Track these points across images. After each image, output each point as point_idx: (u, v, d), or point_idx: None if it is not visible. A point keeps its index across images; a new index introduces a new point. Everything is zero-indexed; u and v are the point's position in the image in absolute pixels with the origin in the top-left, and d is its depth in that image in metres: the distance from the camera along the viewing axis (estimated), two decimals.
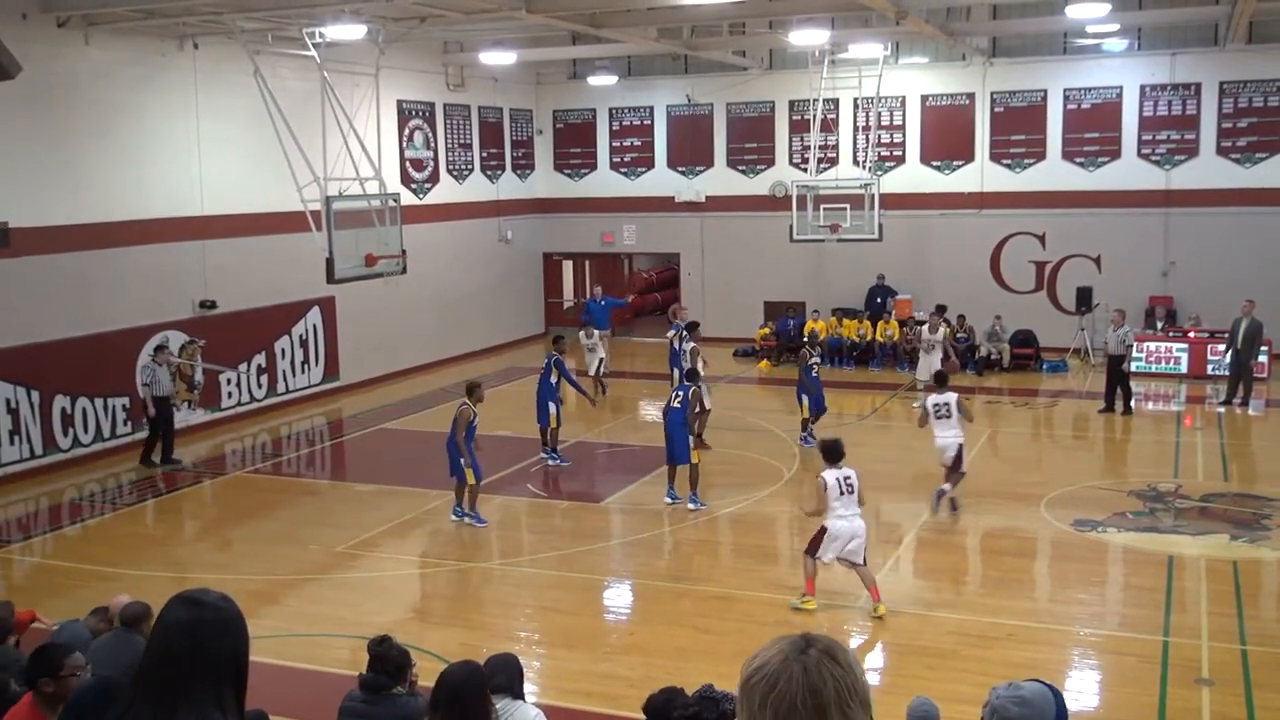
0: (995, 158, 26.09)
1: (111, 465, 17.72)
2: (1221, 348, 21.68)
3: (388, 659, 6.70)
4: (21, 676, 6.54)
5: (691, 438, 15.19)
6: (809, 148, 25.30)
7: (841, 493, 11.38)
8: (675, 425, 15.04)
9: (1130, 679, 10.07)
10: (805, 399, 18.23)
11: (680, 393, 15.30)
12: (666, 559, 13.78)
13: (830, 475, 11.43)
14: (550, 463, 17.44)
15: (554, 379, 17.42)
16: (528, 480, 16.79)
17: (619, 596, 12.76)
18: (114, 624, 8.30)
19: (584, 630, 11.48)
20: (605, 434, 19.86)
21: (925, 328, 21.20)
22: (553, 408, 17.32)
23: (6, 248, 16.44)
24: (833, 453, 11.64)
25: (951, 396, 14.77)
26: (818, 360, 18.70)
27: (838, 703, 2.22)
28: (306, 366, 22.33)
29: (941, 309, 25.21)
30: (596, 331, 24.32)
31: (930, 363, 20.78)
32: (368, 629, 10.75)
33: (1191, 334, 23.38)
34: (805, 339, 20.03)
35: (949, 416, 14.64)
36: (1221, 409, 20.71)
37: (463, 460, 14.36)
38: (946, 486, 14.65)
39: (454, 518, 14.69)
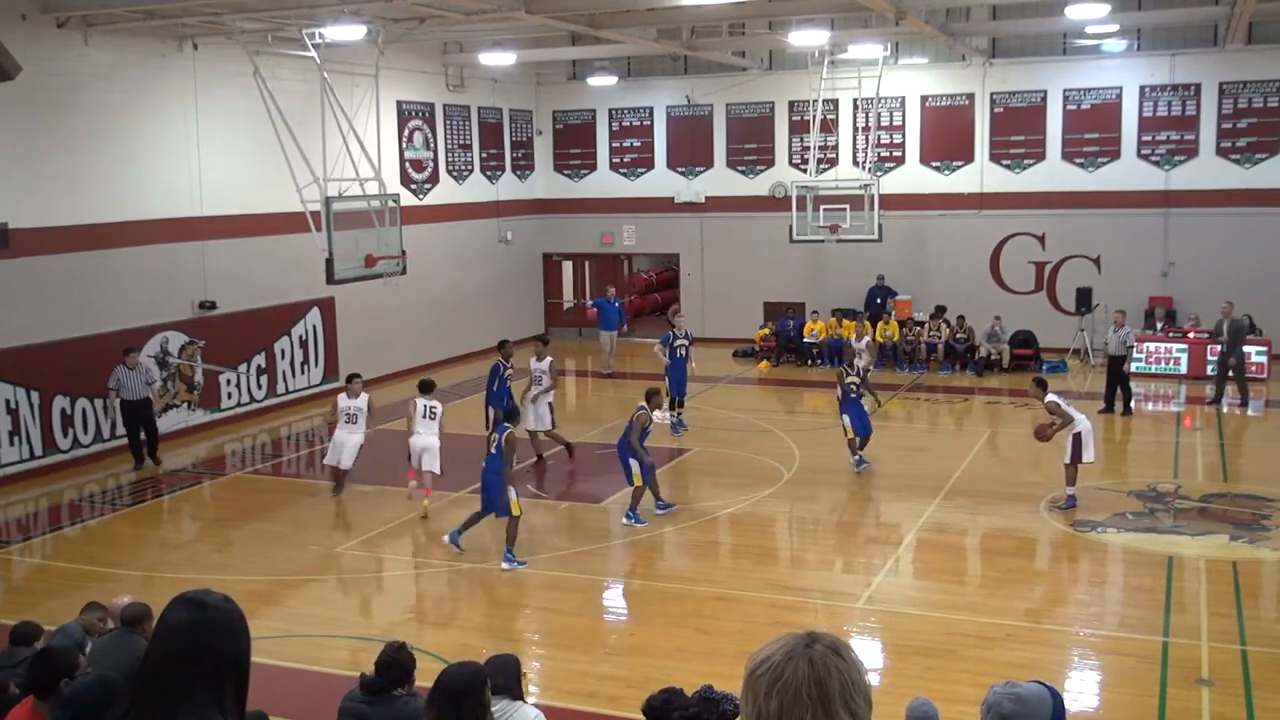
0: (995, 158, 26.10)
1: (111, 466, 17.72)
2: (1219, 348, 21.66)
3: (399, 666, 6.67)
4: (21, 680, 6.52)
5: (512, 489, 13.30)
6: (809, 148, 25.30)
7: (424, 416, 15.25)
8: (490, 474, 13.37)
9: (1130, 679, 10.08)
10: (847, 419, 16.83)
11: (496, 434, 13.50)
12: (666, 560, 13.78)
13: (420, 401, 15.34)
14: None
15: (495, 385, 17.58)
16: (526, 481, 16.79)
17: (619, 597, 12.76)
18: (109, 622, 8.30)
19: (584, 631, 11.49)
20: (605, 434, 19.85)
21: (853, 337, 19.93)
22: (492, 413, 17.24)
23: (6, 248, 16.45)
24: (425, 386, 15.75)
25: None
26: (856, 380, 17.16)
27: (842, 695, 2.25)
28: (306, 367, 22.34)
29: (941, 309, 25.29)
30: (605, 332, 24.38)
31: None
32: (367, 630, 10.78)
33: (1191, 334, 23.37)
34: (841, 359, 18.68)
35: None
36: (1209, 408, 20.73)
37: (632, 461, 14.36)
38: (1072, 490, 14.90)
39: (624, 521, 14.53)
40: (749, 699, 2.30)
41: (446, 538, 13.65)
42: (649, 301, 31.48)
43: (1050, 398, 15.04)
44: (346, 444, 15.95)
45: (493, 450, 13.35)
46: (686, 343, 19.84)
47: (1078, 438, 14.72)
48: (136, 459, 17.72)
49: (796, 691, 2.24)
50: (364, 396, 16.11)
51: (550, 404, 17.77)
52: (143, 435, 17.80)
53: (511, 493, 13.18)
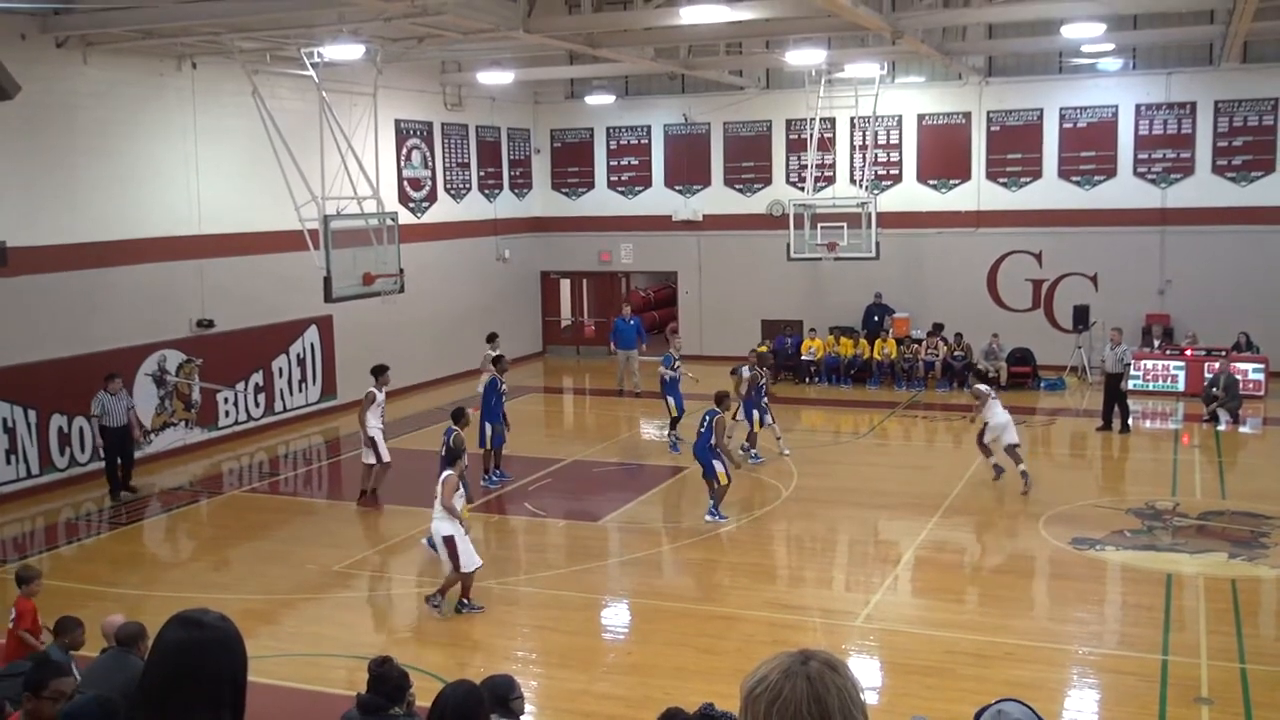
0: (992, 176, 26.15)
1: (108, 485, 17.64)
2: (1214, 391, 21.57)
3: (387, 680, 6.67)
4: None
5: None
6: (806, 166, 25.36)
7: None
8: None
9: (1129, 698, 10.05)
10: (671, 400, 19.24)
11: (444, 437, 14.31)
12: (665, 578, 13.76)
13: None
14: (483, 484, 17.27)
15: (492, 400, 17.62)
16: (525, 499, 16.77)
17: (617, 616, 12.73)
18: (108, 642, 8.27)
19: (582, 650, 11.45)
20: (603, 452, 19.85)
21: (744, 367, 19.28)
22: (488, 428, 17.31)
23: (4, 267, 16.45)
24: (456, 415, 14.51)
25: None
26: (672, 372, 19.55)
27: (841, 709, 2.25)
28: (304, 385, 22.33)
29: (939, 327, 25.32)
30: (622, 351, 24.29)
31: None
32: (365, 649, 10.74)
33: (1188, 352, 23.40)
34: (756, 363, 19.38)
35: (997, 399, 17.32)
36: (1206, 425, 20.78)
37: (716, 463, 15.11)
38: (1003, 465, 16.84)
39: (708, 518, 15.23)
40: (753, 715, 2.29)
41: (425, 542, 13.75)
42: (647, 320, 31.48)
43: (978, 387, 17.48)
44: (434, 538, 12.66)
45: (442, 453, 13.82)
46: (679, 362, 20.26)
47: (984, 427, 16.85)
48: (113, 489, 17.17)
49: (796, 709, 2.24)
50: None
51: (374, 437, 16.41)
52: (118, 461, 17.35)
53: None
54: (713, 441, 15.19)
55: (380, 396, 16.67)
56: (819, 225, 24.23)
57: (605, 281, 30.49)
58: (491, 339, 21.08)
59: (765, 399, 19.14)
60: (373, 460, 16.45)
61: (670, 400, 19.73)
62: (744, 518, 15.64)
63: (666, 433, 19.90)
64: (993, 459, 16.89)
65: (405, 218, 22.48)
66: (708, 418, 15.53)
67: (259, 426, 21.18)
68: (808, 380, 25.73)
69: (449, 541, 12.04)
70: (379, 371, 16.85)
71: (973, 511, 15.64)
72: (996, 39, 24.09)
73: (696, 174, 28.43)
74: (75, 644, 8.62)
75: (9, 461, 16.84)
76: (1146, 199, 25.01)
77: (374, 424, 16.39)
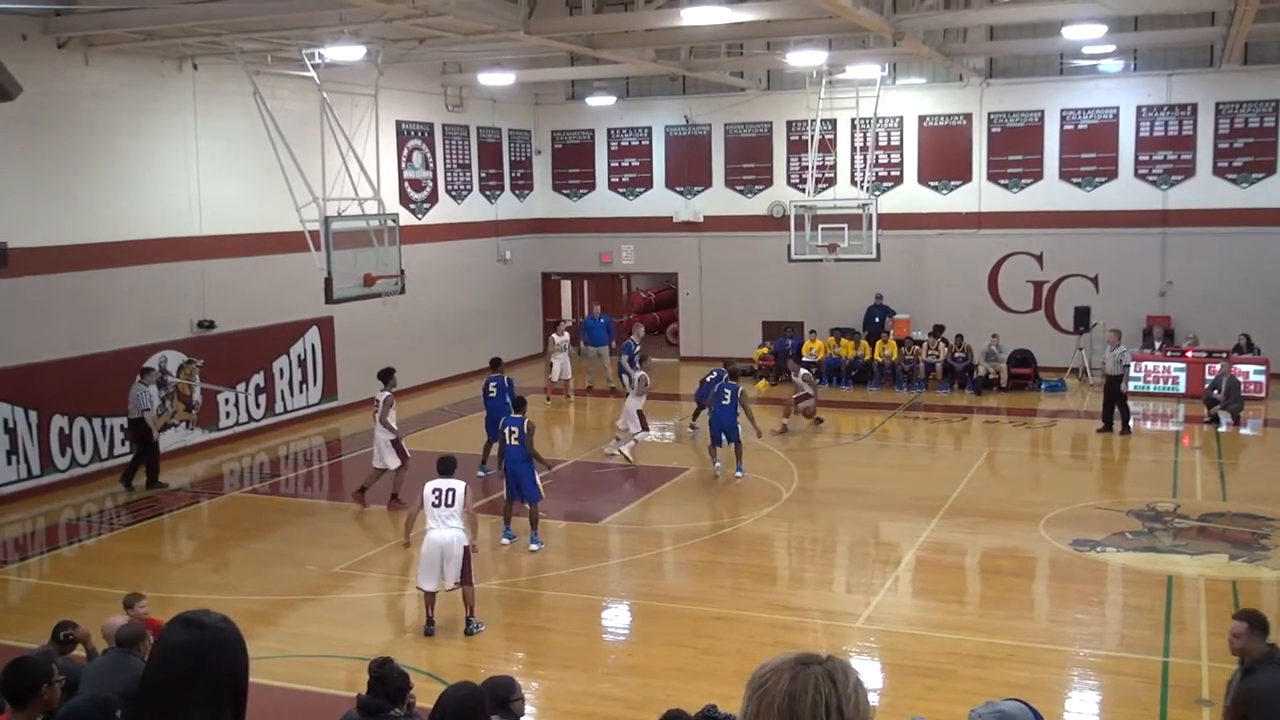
0: (992, 178, 26.15)
1: (109, 485, 17.67)
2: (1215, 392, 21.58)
3: (388, 681, 6.67)
4: None
5: (538, 474, 14.46)
6: (807, 168, 25.36)
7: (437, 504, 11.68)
8: (515, 463, 14.36)
9: (1130, 699, 10.05)
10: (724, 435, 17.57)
11: (514, 427, 14.34)
12: (666, 579, 13.76)
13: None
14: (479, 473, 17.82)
15: (499, 396, 17.86)
16: None
17: (618, 617, 12.73)
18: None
19: (582, 651, 11.46)
20: (603, 453, 19.84)
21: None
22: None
23: (5, 268, 16.46)
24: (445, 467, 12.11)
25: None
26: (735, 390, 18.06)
27: (813, 714, 2.24)
28: (305, 386, 22.33)
29: (939, 328, 25.32)
30: (592, 349, 24.77)
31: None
32: (365, 650, 10.74)
33: (1189, 353, 23.40)
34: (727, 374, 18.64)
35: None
36: (1207, 426, 20.79)
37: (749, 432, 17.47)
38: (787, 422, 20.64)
39: (738, 474, 17.33)
40: (743, 699, 2.37)
41: (505, 541, 14.18)
42: (648, 320, 31.49)
43: (801, 372, 21.08)
44: (448, 550, 11.59)
45: (514, 441, 14.25)
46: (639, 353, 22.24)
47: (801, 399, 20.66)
48: (134, 480, 17.53)
49: (771, 702, 2.28)
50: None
51: (393, 441, 16.37)
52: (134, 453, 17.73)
53: (538, 477, 14.38)
54: (744, 408, 17.38)
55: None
56: (820, 227, 24.21)
57: (606, 283, 30.49)
58: (556, 325, 24.84)
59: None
60: (395, 464, 16.35)
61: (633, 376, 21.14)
62: (745, 519, 15.63)
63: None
64: (787, 419, 20.66)
65: (406, 219, 22.48)
66: (730, 391, 17.30)
67: (260, 427, 21.19)
68: None
69: (468, 553, 11.69)
70: (389, 374, 16.77)
71: (973, 513, 15.64)
72: (997, 40, 24.07)
73: (697, 175, 28.44)
74: (81, 640, 8.60)
75: (10, 462, 16.84)
76: (1147, 200, 25.01)
77: (395, 427, 16.43)
